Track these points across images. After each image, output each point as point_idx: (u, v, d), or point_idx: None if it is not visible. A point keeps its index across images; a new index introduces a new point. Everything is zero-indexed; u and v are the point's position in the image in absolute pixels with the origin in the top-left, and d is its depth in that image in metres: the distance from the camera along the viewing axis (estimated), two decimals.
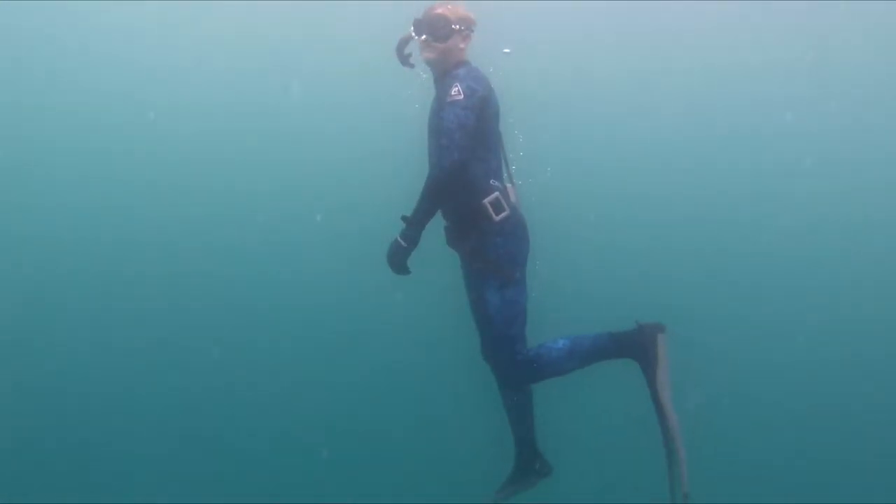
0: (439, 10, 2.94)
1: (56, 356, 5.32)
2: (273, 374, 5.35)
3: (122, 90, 5.86)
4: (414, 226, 2.78)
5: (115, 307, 5.52)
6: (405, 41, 3.07)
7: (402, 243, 2.78)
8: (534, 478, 3.23)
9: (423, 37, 2.94)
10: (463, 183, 2.85)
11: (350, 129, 5.81)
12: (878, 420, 4.98)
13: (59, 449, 4.92)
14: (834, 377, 5.23)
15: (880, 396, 5.08)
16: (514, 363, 2.97)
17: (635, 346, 2.96)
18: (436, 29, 2.92)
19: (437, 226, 2.95)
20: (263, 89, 5.96)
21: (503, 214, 2.92)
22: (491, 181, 2.95)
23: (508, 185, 3.11)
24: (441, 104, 2.84)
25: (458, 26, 2.94)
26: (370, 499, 4.54)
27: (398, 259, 2.82)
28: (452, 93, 2.78)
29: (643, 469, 3.37)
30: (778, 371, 5.29)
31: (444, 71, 2.95)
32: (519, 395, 3.13)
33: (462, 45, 2.97)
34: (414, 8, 2.97)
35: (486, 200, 2.90)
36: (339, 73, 5.92)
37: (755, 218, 5.87)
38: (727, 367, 5.12)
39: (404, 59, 3.11)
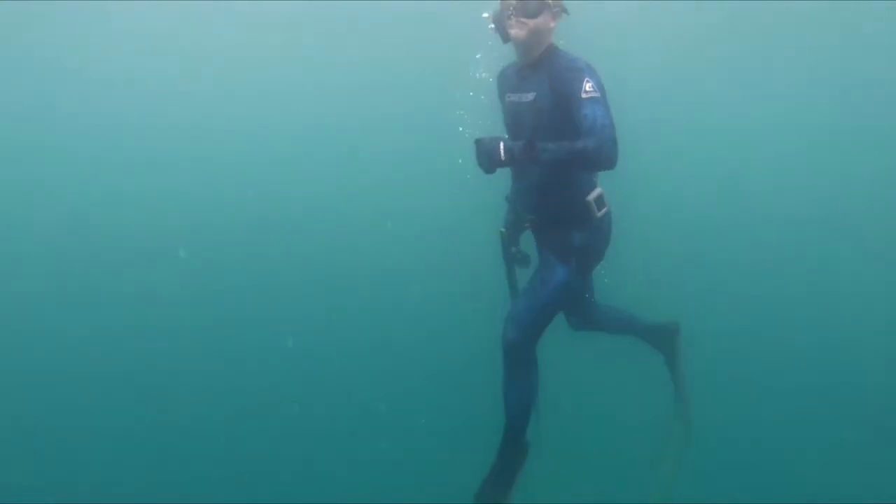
0: None
1: (57, 353, 5.34)
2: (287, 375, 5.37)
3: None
4: (534, 151, 2.56)
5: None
6: (501, 13, 2.87)
7: (503, 155, 2.58)
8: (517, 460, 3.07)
9: (512, 12, 2.79)
10: (571, 179, 2.89)
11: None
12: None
13: (58, 449, 4.95)
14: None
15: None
16: (529, 333, 2.94)
17: None
18: (525, 3, 2.78)
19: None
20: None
21: (604, 210, 2.98)
22: (594, 177, 3.00)
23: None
24: (563, 95, 2.69)
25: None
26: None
27: (490, 162, 2.63)
28: (588, 88, 2.64)
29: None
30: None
31: (534, 53, 2.84)
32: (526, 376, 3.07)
33: (552, 24, 2.84)
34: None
35: (590, 197, 2.94)
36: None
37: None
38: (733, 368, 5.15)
39: (504, 32, 2.89)
